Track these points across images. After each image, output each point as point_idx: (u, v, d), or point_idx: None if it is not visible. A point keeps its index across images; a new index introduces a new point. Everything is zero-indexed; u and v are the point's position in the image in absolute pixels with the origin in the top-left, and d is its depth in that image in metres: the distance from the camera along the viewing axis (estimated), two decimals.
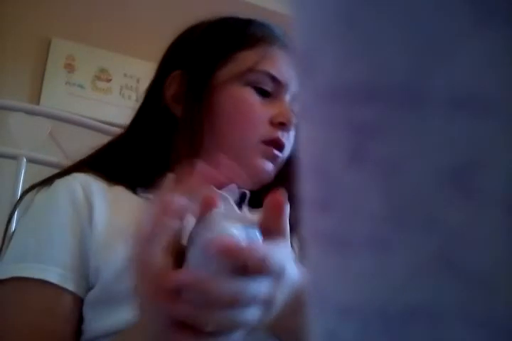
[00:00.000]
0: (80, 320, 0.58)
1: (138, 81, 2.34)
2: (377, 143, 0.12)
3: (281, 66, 0.68)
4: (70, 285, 0.57)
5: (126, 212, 0.61)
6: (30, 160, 0.95)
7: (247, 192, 0.70)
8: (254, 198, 0.69)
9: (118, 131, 0.99)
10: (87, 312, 0.58)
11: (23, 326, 0.56)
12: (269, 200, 0.42)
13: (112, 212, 0.63)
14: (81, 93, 2.23)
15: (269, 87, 0.67)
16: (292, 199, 0.39)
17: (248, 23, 0.72)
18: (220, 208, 0.41)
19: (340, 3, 0.13)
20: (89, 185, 0.65)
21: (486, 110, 0.11)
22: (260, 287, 0.38)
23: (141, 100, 0.75)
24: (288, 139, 0.68)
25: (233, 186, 0.68)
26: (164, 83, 0.71)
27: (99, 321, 0.57)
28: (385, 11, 0.12)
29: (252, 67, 0.67)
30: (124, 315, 0.53)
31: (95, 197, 0.63)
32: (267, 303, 0.39)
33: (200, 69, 0.69)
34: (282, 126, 0.67)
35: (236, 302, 0.37)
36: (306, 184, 0.14)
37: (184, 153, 0.66)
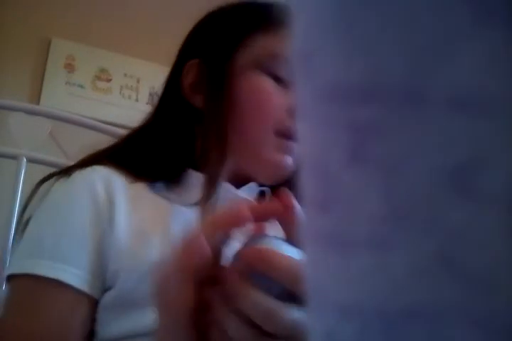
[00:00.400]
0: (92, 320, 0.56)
1: (138, 81, 2.34)
2: (377, 143, 0.12)
3: None
4: (87, 288, 0.55)
5: (147, 214, 0.59)
6: (30, 160, 0.95)
7: (267, 190, 0.68)
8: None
9: (118, 130, 0.99)
10: (101, 314, 0.56)
11: (36, 336, 0.53)
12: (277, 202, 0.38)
13: (132, 212, 0.60)
14: (81, 93, 2.24)
15: (286, 73, 0.65)
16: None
17: (265, 6, 0.69)
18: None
19: (340, 2, 0.13)
20: (111, 181, 0.62)
21: (486, 110, 0.11)
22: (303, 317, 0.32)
23: (161, 89, 0.73)
24: None
25: (253, 184, 0.67)
26: (181, 72, 0.69)
27: (114, 324, 0.54)
28: (385, 10, 0.12)
29: (270, 51, 0.65)
30: (141, 318, 0.51)
31: (116, 195, 0.60)
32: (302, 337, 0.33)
33: (216, 54, 0.67)
34: None
35: (265, 323, 0.32)
36: (306, 184, 0.14)
37: (210, 145, 0.64)
